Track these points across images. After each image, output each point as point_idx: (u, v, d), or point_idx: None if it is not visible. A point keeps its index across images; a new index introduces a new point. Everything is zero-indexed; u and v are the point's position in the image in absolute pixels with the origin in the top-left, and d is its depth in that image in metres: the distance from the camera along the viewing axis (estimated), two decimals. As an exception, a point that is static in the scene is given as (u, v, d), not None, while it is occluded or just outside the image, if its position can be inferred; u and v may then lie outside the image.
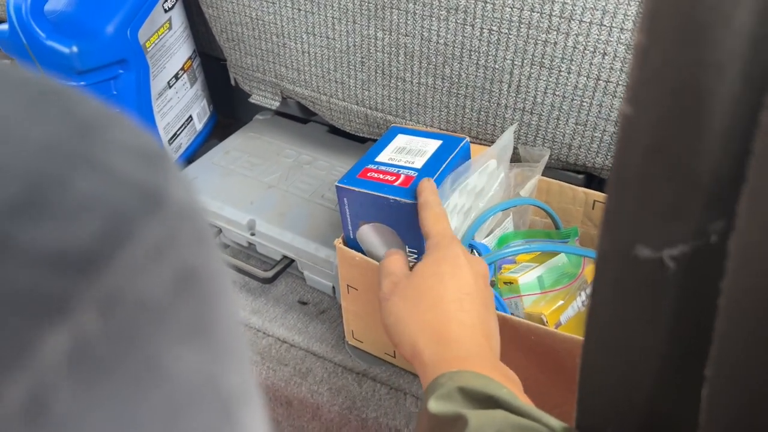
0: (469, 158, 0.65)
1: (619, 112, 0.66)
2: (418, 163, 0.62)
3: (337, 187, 0.61)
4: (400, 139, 0.67)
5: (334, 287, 0.76)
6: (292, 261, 0.78)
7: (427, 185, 0.56)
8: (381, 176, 0.61)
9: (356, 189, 0.60)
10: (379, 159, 0.64)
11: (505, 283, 0.64)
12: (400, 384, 0.70)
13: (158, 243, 0.13)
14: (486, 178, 0.65)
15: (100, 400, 0.12)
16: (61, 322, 0.11)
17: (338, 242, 0.64)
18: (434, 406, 0.39)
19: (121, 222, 0.13)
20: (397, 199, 0.58)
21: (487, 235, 0.68)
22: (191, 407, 0.14)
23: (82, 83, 0.77)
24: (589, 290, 0.64)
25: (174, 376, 0.13)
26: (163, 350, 0.13)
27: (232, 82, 0.96)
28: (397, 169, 0.61)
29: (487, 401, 0.37)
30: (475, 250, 0.63)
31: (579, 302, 0.63)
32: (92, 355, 0.12)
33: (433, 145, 0.65)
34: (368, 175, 0.61)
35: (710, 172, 0.22)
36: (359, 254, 0.62)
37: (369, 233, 0.62)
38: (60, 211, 0.12)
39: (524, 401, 0.38)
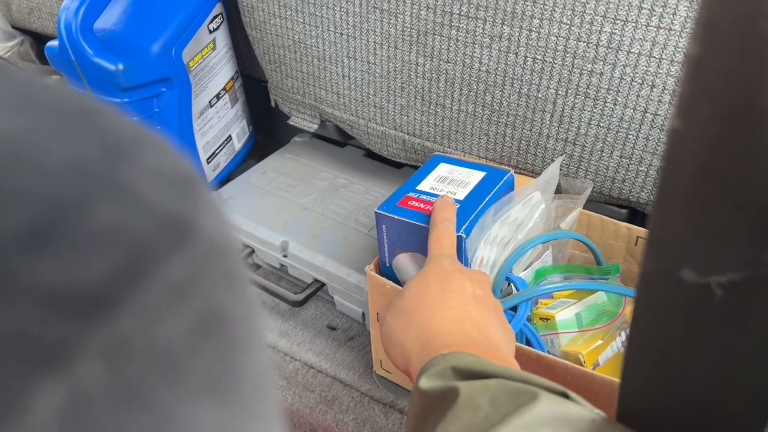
0: (513, 191, 0.63)
1: (668, 125, 0.63)
2: (461, 194, 0.61)
3: (376, 213, 0.60)
4: (443, 168, 0.66)
5: (363, 313, 0.75)
6: (323, 285, 0.77)
7: (439, 203, 0.56)
8: (422, 205, 0.59)
9: (396, 217, 0.59)
10: (420, 187, 0.63)
11: (541, 318, 0.61)
12: (428, 418, 0.68)
13: (180, 282, 0.12)
14: (528, 209, 0.63)
15: None
16: (58, 373, 0.10)
17: (369, 269, 0.62)
18: (425, 383, 0.36)
19: (139, 257, 0.11)
20: None
21: (526, 268, 0.66)
22: None
23: (126, 100, 0.78)
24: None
25: None
26: (176, 408, 0.11)
27: (272, 104, 0.97)
28: None
29: (481, 376, 0.35)
30: (512, 284, 0.61)
31: (618, 343, 0.60)
32: (90, 413, 0.10)
33: (477, 176, 0.63)
34: (408, 203, 0.60)
35: (767, 196, 0.20)
36: (390, 282, 0.61)
37: (405, 262, 0.60)
38: (71, 243, 0.11)
39: None
